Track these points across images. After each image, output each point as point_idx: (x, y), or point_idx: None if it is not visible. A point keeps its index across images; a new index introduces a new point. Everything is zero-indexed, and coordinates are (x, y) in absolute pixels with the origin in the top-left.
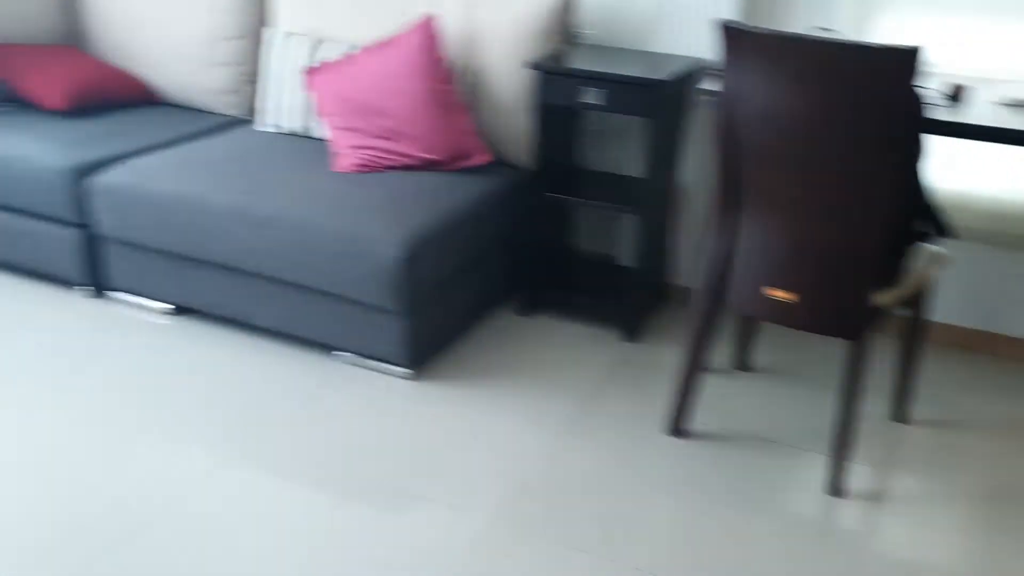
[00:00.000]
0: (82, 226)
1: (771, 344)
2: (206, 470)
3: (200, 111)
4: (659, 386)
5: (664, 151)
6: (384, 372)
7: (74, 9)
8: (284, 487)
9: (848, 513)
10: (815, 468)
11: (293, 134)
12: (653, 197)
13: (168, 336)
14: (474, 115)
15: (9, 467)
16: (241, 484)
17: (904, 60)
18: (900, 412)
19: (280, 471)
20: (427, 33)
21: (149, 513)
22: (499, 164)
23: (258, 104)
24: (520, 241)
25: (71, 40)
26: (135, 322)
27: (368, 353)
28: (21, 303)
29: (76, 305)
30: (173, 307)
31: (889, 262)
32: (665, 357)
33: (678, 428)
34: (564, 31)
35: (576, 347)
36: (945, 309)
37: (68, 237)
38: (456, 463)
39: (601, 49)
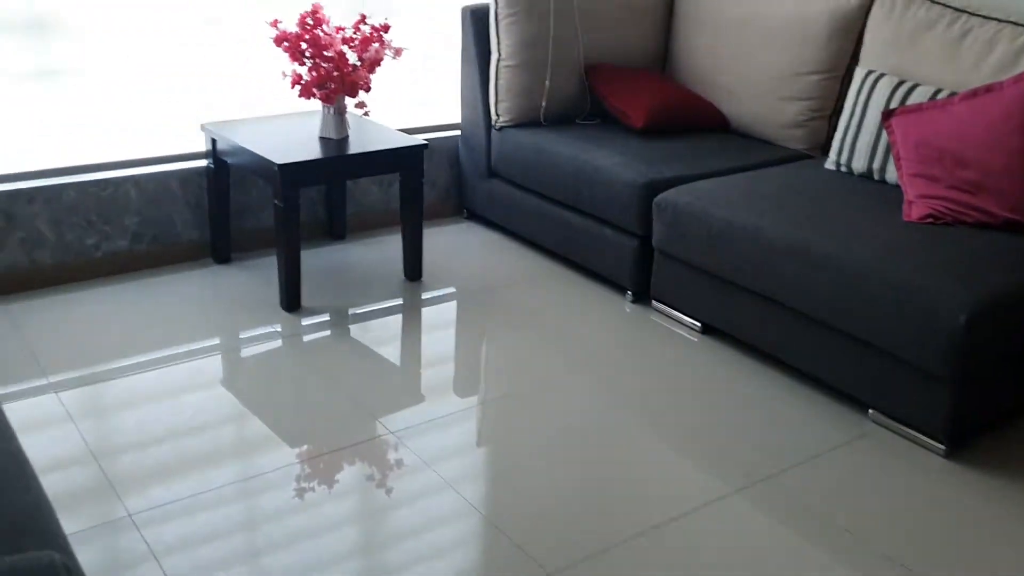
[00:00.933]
0: (641, 237)
1: None
2: (713, 496)
3: (766, 142)
4: None
5: None
6: (916, 442)
7: (664, 37)
8: (783, 533)
9: None
10: None
11: (861, 175)
12: None
13: (697, 353)
14: None
15: (543, 441)
16: (743, 520)
17: None
18: None
19: (784, 516)
20: None
21: (646, 524)
22: None
23: (827, 141)
24: None
25: (658, 65)
26: (667, 334)
27: (901, 418)
28: (579, 299)
29: (621, 308)
30: (701, 325)
31: None
32: None
33: None
34: None
35: None
36: None
37: (628, 245)
38: (981, 563)
39: None
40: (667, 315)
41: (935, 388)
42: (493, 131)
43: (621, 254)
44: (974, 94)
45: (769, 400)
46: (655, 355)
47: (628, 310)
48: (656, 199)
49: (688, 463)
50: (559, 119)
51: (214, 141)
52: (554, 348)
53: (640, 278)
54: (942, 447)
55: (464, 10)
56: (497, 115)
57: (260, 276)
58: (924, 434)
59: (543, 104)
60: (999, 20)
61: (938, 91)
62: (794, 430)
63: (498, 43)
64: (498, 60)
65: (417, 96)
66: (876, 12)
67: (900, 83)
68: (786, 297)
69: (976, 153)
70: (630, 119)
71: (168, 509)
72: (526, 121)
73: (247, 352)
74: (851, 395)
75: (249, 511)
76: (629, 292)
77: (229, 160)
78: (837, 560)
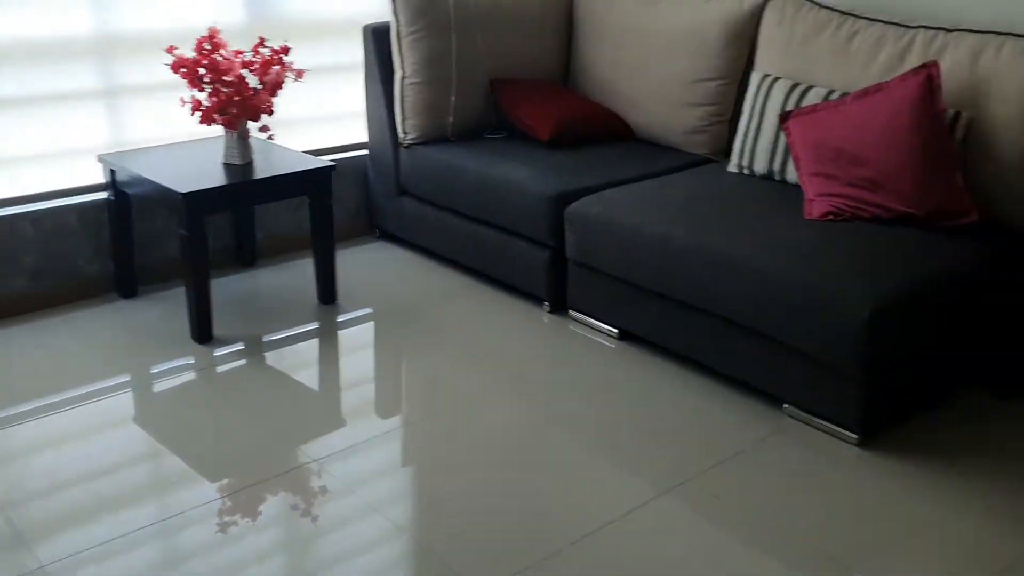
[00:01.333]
0: (554, 248)
1: None
2: (640, 501)
3: (671, 149)
4: None
5: None
6: (830, 433)
7: (566, 49)
8: (712, 532)
9: None
10: None
11: (762, 177)
12: None
13: (615, 360)
14: (967, 171)
15: (468, 458)
16: (671, 521)
17: None
18: None
19: (711, 516)
20: (924, 82)
21: (576, 533)
22: (990, 226)
23: (731, 145)
24: (1008, 313)
25: (561, 77)
26: (586, 342)
27: (815, 411)
28: (496, 313)
29: (538, 320)
30: (618, 331)
31: None
32: None
33: None
34: None
35: None
36: None
37: (542, 257)
38: (903, 549)
39: None
40: (585, 324)
41: (845, 381)
42: (401, 149)
43: (535, 266)
44: (865, 94)
45: (688, 402)
46: (574, 364)
47: (546, 321)
48: (566, 210)
49: (613, 469)
50: (467, 134)
51: (113, 172)
52: (474, 363)
53: (556, 289)
54: (855, 437)
55: (365, 29)
56: (404, 132)
57: (169, 308)
58: (838, 425)
59: (450, 120)
60: (884, 22)
61: (831, 92)
62: (714, 430)
63: (401, 61)
64: (402, 78)
65: (323, 116)
66: (768, 18)
67: (795, 86)
68: (697, 300)
69: (870, 151)
70: (536, 132)
71: (84, 556)
72: (434, 137)
73: (159, 388)
74: (766, 392)
75: (170, 551)
76: (546, 303)
77: (130, 191)
78: (765, 554)
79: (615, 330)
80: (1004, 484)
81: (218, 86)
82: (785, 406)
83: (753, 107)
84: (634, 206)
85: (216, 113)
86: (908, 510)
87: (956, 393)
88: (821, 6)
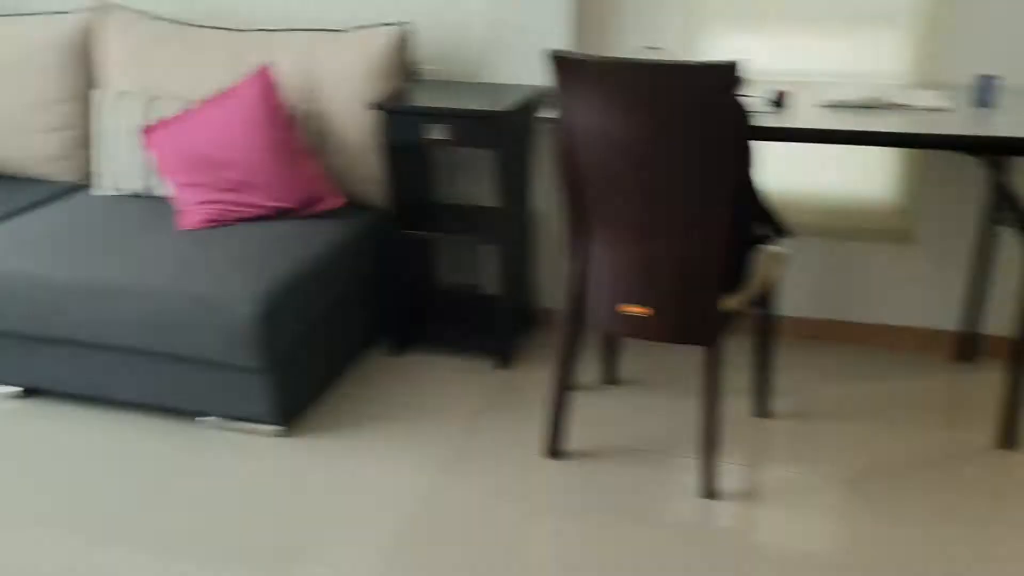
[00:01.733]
0: None
1: (635, 356)
2: (80, 553)
3: (33, 180)
4: (534, 410)
5: (513, 180)
6: (254, 432)
7: None
8: (162, 561)
9: (724, 513)
10: (688, 473)
11: (134, 195)
12: (508, 226)
13: (21, 420)
14: (322, 159)
15: None
16: (117, 564)
17: (725, 73)
18: (762, 408)
19: (156, 545)
20: (263, 82)
21: None
22: (354, 206)
23: (93, 168)
24: (383, 281)
25: None
26: None
27: (236, 415)
28: None
29: None
30: (21, 390)
31: (734, 267)
32: (538, 380)
33: (554, 449)
34: (404, 69)
35: (450, 380)
36: (794, 303)
37: None
38: (335, 517)
39: (442, 84)
40: None
41: (254, 380)
42: None
43: None
44: (216, 100)
45: (109, 441)
46: None
47: None
48: None
49: (47, 530)
50: None
51: None
52: None
53: None
54: (279, 428)
55: None
56: None
57: None
58: (258, 423)
59: None
60: (220, 28)
61: (185, 102)
62: (136, 462)
63: None
64: None
65: None
66: (103, 34)
67: (148, 99)
68: (91, 336)
69: (230, 154)
70: None
71: None
72: None
73: None
74: (185, 409)
75: None
76: None
77: None
78: (222, 566)
79: (17, 388)
80: (408, 428)
81: None
82: (206, 418)
83: (108, 125)
84: (2, 250)
85: None
86: (335, 478)
87: (358, 359)
88: (154, 17)
